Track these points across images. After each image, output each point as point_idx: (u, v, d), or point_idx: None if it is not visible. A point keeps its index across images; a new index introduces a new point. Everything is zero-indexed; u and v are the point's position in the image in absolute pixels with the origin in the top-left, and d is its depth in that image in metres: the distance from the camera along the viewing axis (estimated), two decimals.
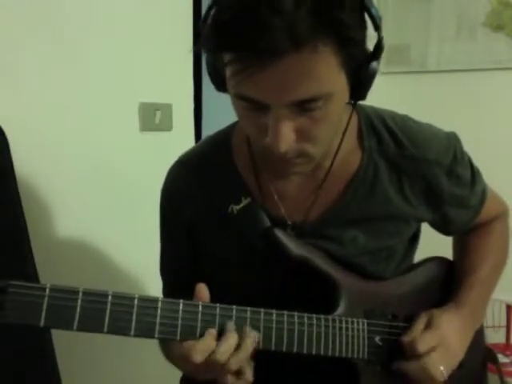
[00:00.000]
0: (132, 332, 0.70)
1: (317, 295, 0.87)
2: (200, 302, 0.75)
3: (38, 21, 1.33)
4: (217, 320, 0.75)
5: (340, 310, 0.86)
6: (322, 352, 0.82)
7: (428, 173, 0.90)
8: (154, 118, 1.59)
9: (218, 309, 0.75)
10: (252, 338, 0.75)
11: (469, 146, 0.98)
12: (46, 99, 1.37)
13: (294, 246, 0.85)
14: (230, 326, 0.75)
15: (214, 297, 0.77)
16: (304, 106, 0.70)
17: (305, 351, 0.80)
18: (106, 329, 0.69)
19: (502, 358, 1.85)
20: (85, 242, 1.48)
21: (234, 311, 0.76)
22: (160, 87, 1.61)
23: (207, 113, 1.79)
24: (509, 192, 1.11)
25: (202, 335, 0.73)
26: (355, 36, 0.69)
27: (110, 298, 0.69)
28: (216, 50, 0.71)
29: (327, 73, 0.69)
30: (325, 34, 0.65)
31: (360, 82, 0.74)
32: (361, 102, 0.81)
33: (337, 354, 0.83)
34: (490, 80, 2.06)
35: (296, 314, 0.80)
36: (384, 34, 0.74)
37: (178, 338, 0.72)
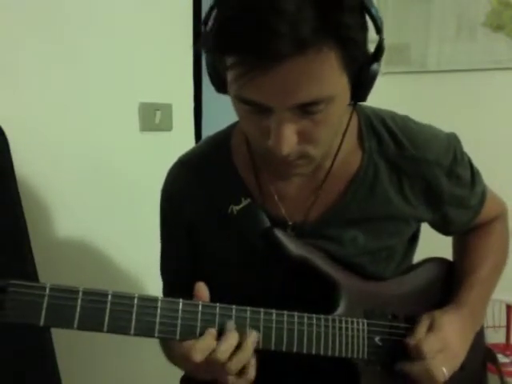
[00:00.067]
0: (132, 331, 0.70)
1: (317, 295, 0.87)
2: (200, 302, 0.75)
3: (38, 21, 1.33)
4: (217, 319, 0.75)
5: (340, 310, 0.86)
6: (321, 352, 0.82)
7: (428, 173, 0.90)
8: (153, 118, 1.60)
9: (217, 308, 0.75)
10: (253, 338, 0.75)
11: (469, 146, 0.98)
12: (46, 99, 1.37)
13: (293, 246, 0.85)
14: (230, 325, 0.75)
15: (214, 297, 0.77)
16: (306, 109, 0.70)
17: (304, 351, 0.80)
18: (105, 328, 0.69)
19: (502, 358, 1.85)
20: (85, 242, 1.48)
21: (234, 311, 0.76)
22: (160, 87, 1.61)
23: (207, 113, 1.79)
24: (509, 192, 1.11)
25: (201, 335, 0.73)
26: (357, 38, 0.69)
27: (109, 297, 0.69)
28: (218, 53, 0.71)
29: (330, 75, 0.69)
30: (328, 37, 0.65)
31: (361, 84, 0.74)
32: (361, 103, 0.81)
33: (337, 353, 0.83)
34: (490, 80, 2.06)
35: (296, 313, 0.80)
36: (384, 34, 0.74)
37: (178, 337, 0.73)
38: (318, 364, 0.87)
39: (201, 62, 1.69)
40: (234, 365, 0.73)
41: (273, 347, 0.78)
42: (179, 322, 0.73)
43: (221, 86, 0.76)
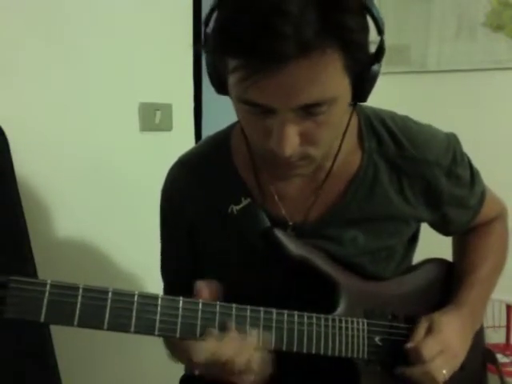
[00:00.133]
0: (132, 329, 0.70)
1: (317, 295, 0.87)
2: (200, 300, 0.75)
3: (38, 21, 1.33)
4: (217, 318, 0.75)
5: (340, 309, 0.86)
6: (321, 352, 0.82)
7: (428, 173, 0.90)
8: (153, 118, 1.60)
9: (217, 307, 0.75)
10: (253, 337, 0.75)
11: (469, 146, 0.98)
12: (46, 99, 1.37)
13: (293, 246, 0.85)
14: (232, 325, 0.75)
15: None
16: (309, 110, 0.70)
17: (305, 351, 0.80)
18: (106, 325, 0.69)
19: (502, 358, 1.85)
20: (85, 242, 1.48)
21: (234, 310, 0.76)
22: (160, 87, 1.61)
23: (207, 113, 1.79)
24: (509, 192, 1.11)
25: (202, 333, 0.73)
26: (360, 40, 0.69)
27: (110, 294, 0.69)
28: (221, 55, 0.71)
29: (333, 77, 0.69)
30: (332, 39, 0.65)
31: (362, 84, 0.74)
32: (361, 103, 0.81)
33: (337, 353, 0.83)
34: (490, 80, 2.06)
35: (296, 313, 0.80)
36: (384, 34, 0.74)
37: (178, 335, 0.73)
38: (318, 364, 0.87)
39: (201, 62, 1.69)
40: (237, 364, 0.74)
41: (273, 347, 0.78)
42: (179, 320, 0.73)
43: (221, 87, 0.76)
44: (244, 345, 0.74)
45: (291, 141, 0.71)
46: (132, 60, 1.52)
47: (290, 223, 0.90)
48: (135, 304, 0.70)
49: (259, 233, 0.86)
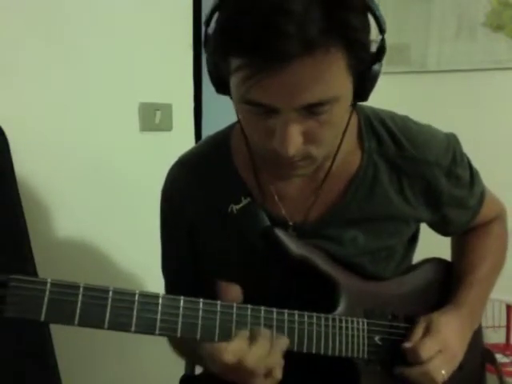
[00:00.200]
0: (133, 328, 0.70)
1: (317, 295, 0.87)
2: (201, 300, 0.74)
3: (38, 21, 1.33)
4: (217, 317, 0.75)
5: (340, 309, 0.86)
6: (322, 351, 0.82)
7: (427, 174, 0.90)
8: (153, 117, 1.60)
9: (218, 306, 0.75)
10: (282, 344, 0.76)
11: (469, 146, 0.98)
12: (46, 99, 1.37)
13: (294, 246, 0.85)
14: (264, 331, 0.75)
15: (214, 296, 0.77)
16: (312, 110, 0.70)
17: (305, 350, 0.80)
18: (106, 325, 0.69)
19: (501, 358, 1.85)
20: (85, 242, 1.49)
21: (235, 309, 0.76)
22: (160, 87, 1.61)
23: (207, 113, 1.79)
24: (508, 192, 1.11)
25: (202, 333, 0.73)
26: (363, 39, 0.69)
27: (110, 293, 0.69)
28: (223, 55, 0.70)
29: (337, 76, 0.69)
30: (336, 38, 0.65)
31: (363, 84, 0.75)
32: (361, 102, 0.81)
33: (337, 353, 0.83)
34: (490, 80, 2.07)
35: (296, 312, 0.80)
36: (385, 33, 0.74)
37: (179, 334, 0.72)
38: (318, 363, 0.87)
39: (201, 62, 1.69)
40: (263, 368, 0.74)
41: None
42: (180, 319, 0.73)
43: (221, 87, 0.76)
44: (272, 351, 0.74)
45: (294, 140, 0.71)
46: (132, 60, 1.52)
47: (291, 223, 0.90)
48: (136, 303, 0.70)
49: (259, 232, 0.86)
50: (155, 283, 1.06)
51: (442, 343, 0.86)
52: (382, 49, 0.74)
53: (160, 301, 0.72)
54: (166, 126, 1.64)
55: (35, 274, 1.22)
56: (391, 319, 0.90)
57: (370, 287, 0.91)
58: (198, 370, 1.12)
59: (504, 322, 1.97)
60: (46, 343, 1.24)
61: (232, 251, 0.91)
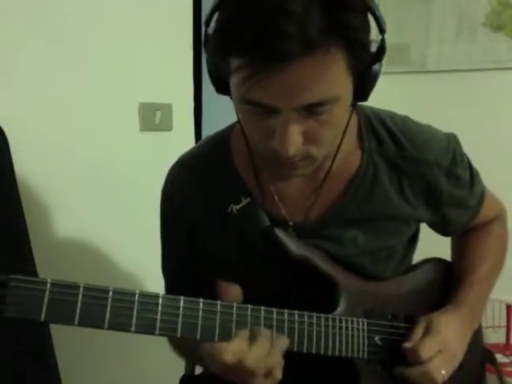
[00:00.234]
0: (133, 328, 0.70)
1: (317, 295, 0.87)
2: (201, 300, 0.74)
3: (38, 21, 1.33)
4: (217, 317, 0.75)
5: (340, 309, 0.86)
6: (322, 351, 0.82)
7: (427, 174, 0.90)
8: (153, 118, 1.60)
9: (218, 306, 0.75)
10: (282, 344, 0.76)
11: (469, 146, 0.98)
12: (46, 99, 1.37)
13: (294, 246, 0.85)
14: (264, 332, 0.75)
15: (214, 296, 0.77)
16: (312, 110, 0.70)
17: (305, 350, 0.80)
18: (106, 325, 0.69)
19: (502, 358, 1.85)
20: (85, 242, 1.49)
21: (235, 309, 0.76)
22: (160, 87, 1.61)
23: (207, 113, 1.79)
24: (508, 193, 1.11)
25: (202, 333, 0.73)
26: (363, 39, 0.69)
27: (110, 293, 0.69)
28: (223, 55, 0.70)
29: (337, 76, 0.69)
30: (336, 38, 0.65)
31: (363, 84, 0.75)
32: (361, 102, 0.81)
33: (337, 353, 0.83)
34: (490, 80, 2.07)
35: (296, 312, 0.80)
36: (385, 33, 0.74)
37: (179, 334, 0.72)
38: (318, 363, 0.87)
39: (201, 62, 1.69)
40: (263, 368, 0.74)
41: None
42: (180, 319, 0.72)
43: (221, 87, 0.76)
44: (272, 351, 0.74)
45: (294, 140, 0.71)
46: (132, 60, 1.52)
47: (291, 223, 0.90)
48: (136, 303, 0.70)
49: (259, 232, 0.86)
50: (155, 283, 1.06)
51: (441, 343, 0.86)
52: (382, 49, 0.74)
53: (160, 301, 0.72)
54: (166, 125, 1.64)
55: (35, 273, 1.23)
56: (391, 319, 0.90)
57: (370, 287, 0.91)
58: (198, 370, 1.12)
59: (504, 322, 1.97)
60: (46, 343, 1.24)
61: (232, 251, 0.91)
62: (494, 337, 1.92)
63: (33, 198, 1.35)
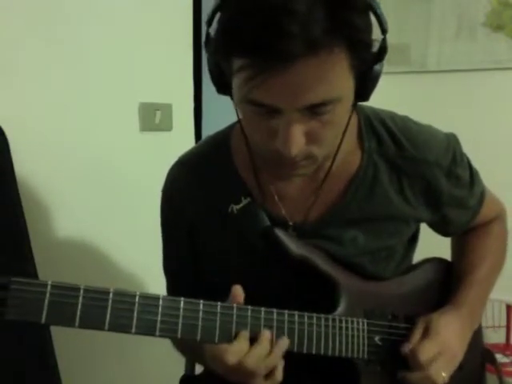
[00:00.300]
0: (133, 330, 0.70)
1: (317, 295, 0.87)
2: (201, 301, 0.74)
3: (38, 21, 1.33)
4: (218, 318, 0.75)
5: (340, 309, 0.86)
6: (322, 352, 0.82)
7: (427, 174, 0.90)
8: (153, 118, 1.60)
9: (218, 307, 0.75)
10: (283, 345, 0.76)
11: (468, 146, 0.98)
12: (46, 99, 1.37)
13: (294, 246, 0.85)
14: (266, 333, 0.75)
15: (215, 296, 0.77)
16: (315, 110, 0.70)
17: (305, 351, 0.80)
18: (107, 326, 0.69)
19: (501, 358, 1.85)
20: (85, 242, 1.49)
21: (235, 310, 0.76)
22: (160, 87, 1.61)
23: (207, 113, 1.79)
24: (508, 193, 1.11)
25: (202, 334, 0.73)
26: (366, 39, 0.69)
27: (111, 295, 0.69)
28: (226, 55, 0.70)
29: (340, 76, 0.69)
30: (340, 38, 0.65)
31: (365, 84, 0.75)
32: (361, 102, 0.81)
33: (337, 353, 0.83)
34: (489, 80, 2.06)
35: (296, 313, 0.80)
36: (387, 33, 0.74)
37: (179, 335, 0.73)
38: (318, 364, 0.87)
39: (201, 62, 1.69)
40: (264, 369, 0.74)
41: None
42: (180, 320, 0.73)
43: (222, 87, 0.76)
44: (273, 352, 0.75)
45: (297, 141, 0.71)
46: (132, 60, 1.52)
47: (291, 223, 0.90)
48: (136, 305, 0.70)
49: (259, 232, 0.86)
50: (155, 283, 1.06)
51: (441, 345, 0.86)
52: (383, 49, 0.74)
53: (160, 302, 0.72)
54: (166, 125, 1.64)
55: (35, 274, 1.23)
56: (391, 319, 0.90)
57: (370, 287, 0.91)
58: (198, 369, 1.13)
59: (504, 322, 1.97)
60: (46, 343, 1.24)
61: (232, 251, 0.91)
62: (494, 337, 1.92)
63: (33, 198, 1.35)
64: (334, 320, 0.83)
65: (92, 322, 0.68)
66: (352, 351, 0.85)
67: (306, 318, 0.81)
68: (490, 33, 2.04)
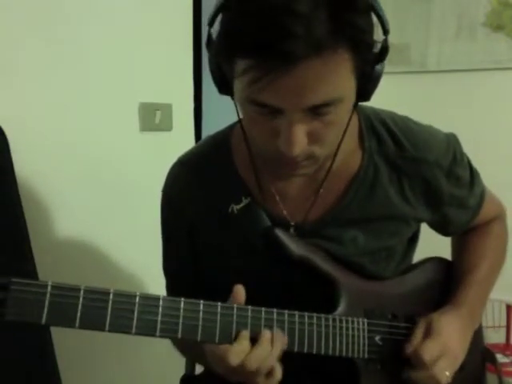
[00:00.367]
0: (133, 330, 0.70)
1: (317, 295, 0.87)
2: (201, 301, 0.74)
3: (38, 21, 1.33)
4: (218, 319, 0.75)
5: (340, 309, 0.86)
6: (322, 351, 0.82)
7: (428, 174, 0.90)
8: (154, 118, 1.60)
9: (219, 307, 0.75)
10: (283, 344, 0.76)
11: (468, 146, 0.98)
12: (46, 99, 1.37)
13: (294, 246, 0.85)
14: (266, 333, 0.75)
15: (215, 296, 0.77)
16: (318, 110, 0.70)
17: (305, 351, 0.80)
18: (107, 327, 0.69)
19: (502, 358, 1.85)
20: (85, 242, 1.49)
21: (235, 310, 0.76)
22: (160, 87, 1.61)
23: (207, 113, 1.79)
24: (509, 192, 1.11)
25: (203, 334, 0.73)
26: (368, 40, 0.69)
27: (111, 295, 0.69)
28: (229, 56, 0.70)
29: (343, 77, 0.69)
30: (343, 39, 0.65)
31: (366, 84, 0.75)
32: (361, 103, 0.81)
33: (337, 353, 0.83)
34: (489, 80, 2.06)
35: (297, 313, 0.80)
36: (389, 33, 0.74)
37: (180, 336, 0.72)
38: (318, 363, 0.87)
39: (201, 62, 1.69)
40: (265, 368, 0.74)
41: None
42: (181, 320, 0.72)
43: (224, 87, 0.76)
44: (273, 349, 0.75)
45: (300, 141, 0.71)
46: (132, 60, 1.52)
47: (292, 223, 0.90)
48: (136, 305, 0.70)
49: (260, 232, 0.86)
50: (155, 283, 1.06)
51: (442, 345, 0.86)
52: (385, 49, 0.74)
53: (160, 303, 0.72)
54: (166, 125, 1.64)
55: (35, 273, 1.23)
56: (391, 319, 0.90)
57: (370, 287, 0.91)
58: (199, 369, 1.13)
59: (504, 322, 1.97)
60: (46, 344, 1.24)
61: (232, 251, 0.91)
62: (494, 337, 1.92)
63: (33, 198, 1.35)
64: (334, 320, 0.83)
65: (92, 322, 0.68)
66: (352, 351, 0.85)
67: (306, 317, 0.81)
68: (489, 33, 2.04)
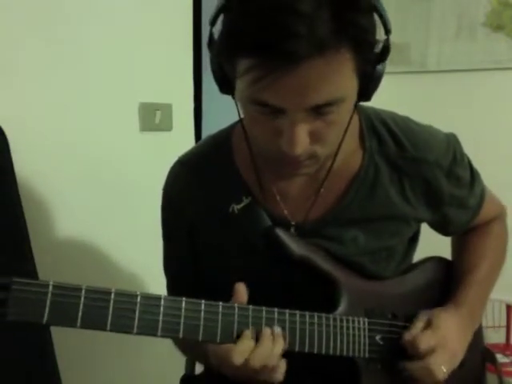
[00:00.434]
0: (135, 330, 0.70)
1: (318, 295, 0.87)
2: (202, 301, 0.74)
3: (38, 21, 1.33)
4: (219, 318, 0.75)
5: (341, 309, 0.86)
6: (323, 351, 0.82)
7: (428, 174, 0.90)
8: (154, 118, 1.60)
9: (220, 307, 0.75)
10: (284, 340, 0.77)
11: (468, 146, 0.98)
12: (46, 99, 1.37)
13: (295, 246, 0.86)
14: (267, 332, 0.76)
15: (215, 296, 0.77)
16: (320, 110, 0.70)
17: (306, 350, 0.80)
18: (109, 326, 0.69)
19: (502, 358, 1.85)
20: (85, 242, 1.48)
21: (237, 309, 0.76)
22: (160, 87, 1.61)
23: (207, 113, 1.79)
24: (509, 192, 1.11)
25: (204, 333, 0.73)
26: (371, 39, 0.69)
27: (112, 295, 0.69)
28: (232, 56, 0.70)
29: (345, 76, 0.69)
30: (346, 39, 0.65)
31: (368, 84, 0.75)
32: (362, 103, 0.81)
33: (338, 352, 0.83)
34: (489, 80, 2.06)
35: (298, 312, 0.80)
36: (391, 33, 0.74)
37: (181, 335, 0.72)
38: (319, 363, 0.87)
39: (201, 62, 1.69)
40: (267, 367, 0.75)
41: None
42: (182, 320, 0.72)
43: (225, 87, 0.76)
44: (274, 348, 0.75)
45: (302, 140, 0.71)
46: (132, 60, 1.52)
47: (293, 223, 0.90)
48: (138, 305, 0.70)
49: (260, 232, 0.86)
50: (155, 283, 1.06)
51: (441, 338, 0.86)
52: (386, 49, 0.74)
53: (162, 302, 0.72)
54: (166, 125, 1.64)
55: (35, 274, 1.23)
56: (391, 318, 0.90)
57: (370, 286, 0.91)
58: (199, 369, 1.13)
59: (504, 322, 1.97)
60: (47, 343, 1.24)
61: (232, 251, 0.91)
62: (494, 337, 1.92)
63: (33, 198, 1.35)
64: (334, 319, 0.83)
65: (94, 322, 0.68)
66: (353, 350, 0.85)
67: (307, 317, 0.81)
68: (489, 33, 2.04)
